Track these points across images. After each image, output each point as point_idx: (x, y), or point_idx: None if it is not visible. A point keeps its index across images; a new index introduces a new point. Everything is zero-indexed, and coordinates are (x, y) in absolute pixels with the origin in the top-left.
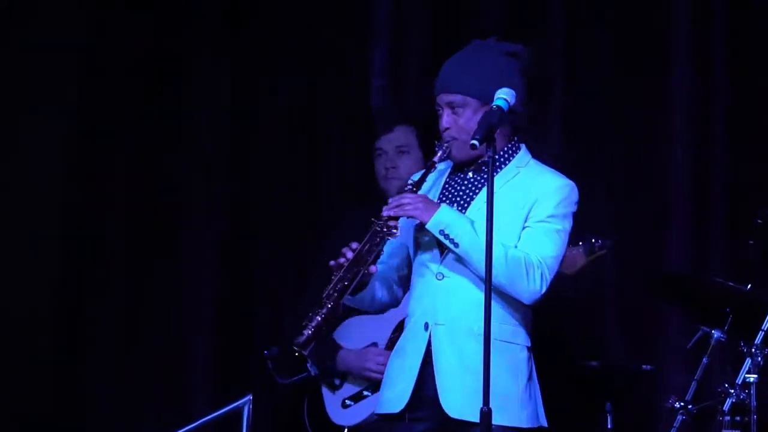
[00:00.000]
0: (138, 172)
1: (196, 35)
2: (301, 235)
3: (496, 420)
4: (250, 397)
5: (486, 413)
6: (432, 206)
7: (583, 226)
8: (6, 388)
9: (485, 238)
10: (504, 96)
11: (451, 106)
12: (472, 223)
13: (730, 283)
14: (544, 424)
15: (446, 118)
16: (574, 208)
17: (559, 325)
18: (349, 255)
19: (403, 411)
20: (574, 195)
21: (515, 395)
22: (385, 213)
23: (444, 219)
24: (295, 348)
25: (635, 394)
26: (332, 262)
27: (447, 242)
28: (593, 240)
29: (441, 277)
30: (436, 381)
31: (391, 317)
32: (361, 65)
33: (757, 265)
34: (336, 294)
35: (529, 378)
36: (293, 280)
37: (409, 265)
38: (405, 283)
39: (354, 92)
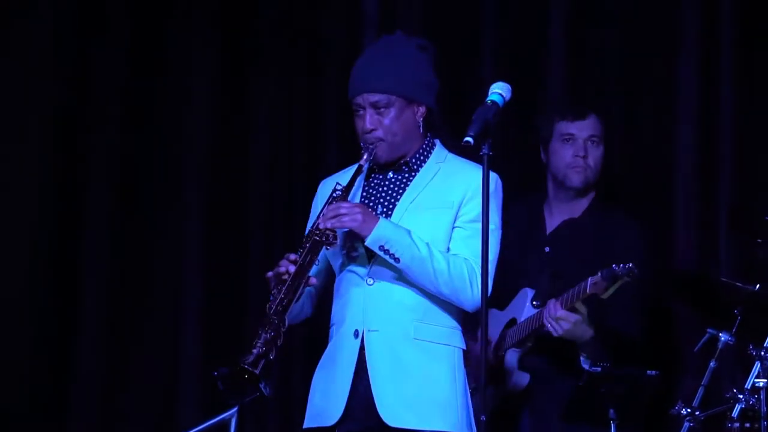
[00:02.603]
0: (119, 178)
1: (183, 27)
2: (294, 240)
3: (437, 426)
4: (237, 409)
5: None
6: (370, 218)
7: None
8: None
9: (415, 247)
10: (499, 91)
11: (376, 106)
12: (409, 233)
13: (738, 284)
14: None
15: (369, 119)
16: (501, 201)
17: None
18: (291, 268)
19: (336, 423)
20: (501, 187)
21: (455, 401)
22: (321, 225)
23: (384, 234)
24: (246, 367)
25: (640, 400)
26: (269, 274)
27: (387, 257)
28: (617, 266)
29: (371, 281)
30: (373, 389)
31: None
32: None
33: (766, 265)
34: (281, 309)
35: (465, 382)
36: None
37: (327, 272)
38: (321, 291)
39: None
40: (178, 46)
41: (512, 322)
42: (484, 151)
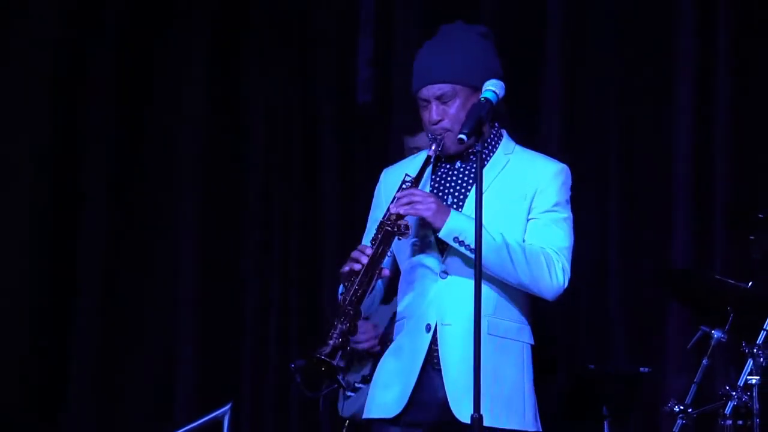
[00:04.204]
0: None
1: (176, 25)
2: (287, 237)
3: (503, 424)
4: (231, 405)
5: (477, 419)
6: (443, 210)
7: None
8: None
9: (490, 237)
10: (492, 88)
11: (441, 98)
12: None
13: (731, 281)
14: (540, 429)
15: (435, 110)
16: (571, 192)
17: (557, 328)
18: (364, 260)
19: (399, 415)
20: (570, 178)
21: (522, 396)
22: (393, 210)
23: (457, 226)
24: (323, 358)
25: (633, 397)
26: (345, 269)
27: (462, 249)
28: None
29: (445, 275)
30: (446, 384)
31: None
32: (348, 54)
33: (759, 262)
34: (356, 300)
35: (533, 378)
36: (279, 284)
37: (392, 263)
38: (387, 283)
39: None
40: (170, 49)
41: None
42: (478, 147)
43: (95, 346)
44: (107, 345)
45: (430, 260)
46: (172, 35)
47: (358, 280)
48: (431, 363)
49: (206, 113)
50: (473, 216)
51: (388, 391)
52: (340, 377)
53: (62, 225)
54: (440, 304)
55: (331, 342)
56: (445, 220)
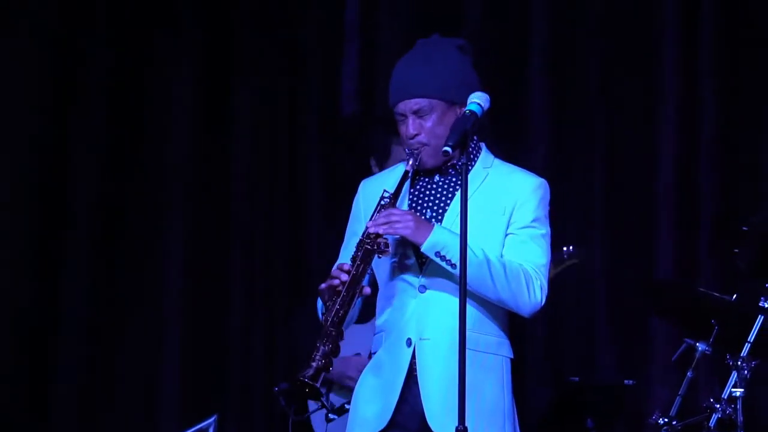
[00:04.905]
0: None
1: (164, 34)
2: (276, 234)
3: None
4: (216, 417)
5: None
6: (424, 225)
7: (562, 235)
8: None
9: (472, 252)
10: (477, 101)
11: (418, 113)
12: None
13: (716, 294)
14: None
15: (412, 124)
16: (548, 208)
17: (541, 340)
18: (344, 277)
19: (381, 431)
20: (548, 193)
21: (503, 411)
22: (372, 230)
23: (440, 240)
24: (306, 381)
25: (617, 409)
26: (323, 286)
27: (443, 264)
28: (564, 248)
29: (424, 289)
30: (422, 399)
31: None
32: (331, 66)
33: (743, 275)
34: (337, 320)
35: (512, 392)
36: (262, 294)
37: (371, 279)
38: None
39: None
40: (161, 54)
41: None
42: (462, 161)
43: (81, 354)
44: (93, 352)
45: (408, 275)
46: (161, 44)
47: (339, 300)
48: (413, 377)
49: (195, 122)
50: (455, 231)
51: (369, 406)
52: (324, 399)
53: (49, 227)
54: (419, 319)
55: (314, 364)
56: (426, 236)
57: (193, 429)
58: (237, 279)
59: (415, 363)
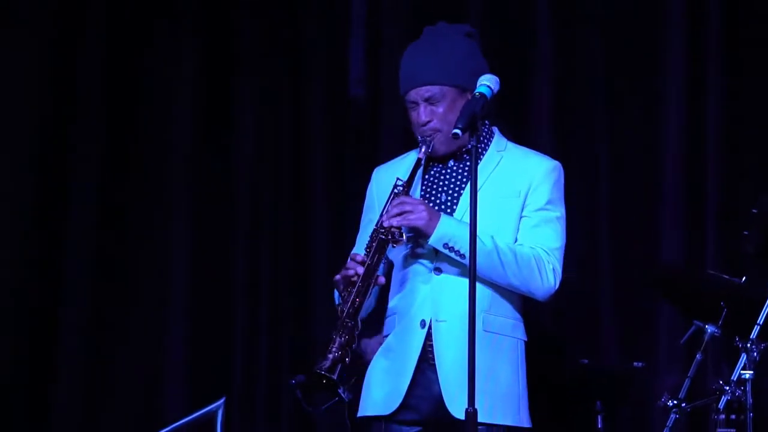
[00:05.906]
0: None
1: (167, 24)
2: (281, 232)
3: (498, 419)
4: (224, 400)
5: (472, 414)
6: (433, 216)
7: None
8: None
9: (480, 241)
10: (487, 83)
11: (429, 100)
12: None
13: (725, 276)
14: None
15: (424, 111)
16: (563, 190)
17: (549, 323)
18: (360, 270)
19: (394, 412)
20: (563, 176)
21: (517, 393)
22: (386, 223)
23: (447, 231)
24: (323, 373)
25: (626, 392)
26: (338, 277)
27: (453, 255)
28: None
29: (439, 272)
30: (440, 381)
31: None
32: (339, 57)
33: (753, 257)
34: (353, 312)
35: (526, 375)
36: (270, 278)
37: (386, 267)
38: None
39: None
40: (160, 55)
41: None
42: (472, 143)
43: (83, 350)
44: (95, 348)
45: (423, 259)
46: (161, 44)
47: (354, 290)
48: (426, 359)
49: (195, 122)
50: (463, 220)
51: (382, 388)
52: (340, 391)
53: (50, 228)
54: (434, 301)
55: (330, 356)
56: (434, 228)
57: (201, 411)
58: (240, 279)
59: (429, 345)
